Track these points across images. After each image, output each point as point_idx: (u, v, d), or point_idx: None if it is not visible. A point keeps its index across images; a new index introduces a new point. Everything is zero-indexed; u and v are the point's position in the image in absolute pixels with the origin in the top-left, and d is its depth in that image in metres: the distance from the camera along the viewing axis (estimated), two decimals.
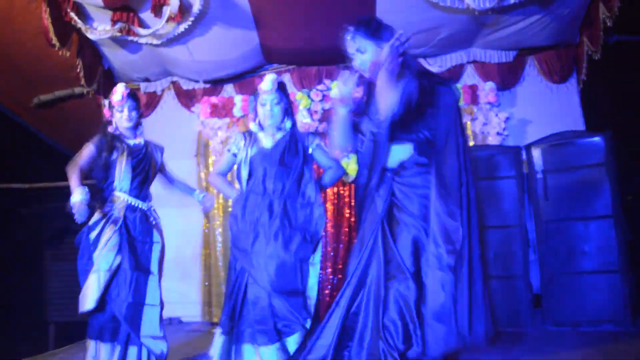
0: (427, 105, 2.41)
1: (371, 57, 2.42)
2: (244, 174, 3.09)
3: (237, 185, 3.25)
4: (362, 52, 2.44)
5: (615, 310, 4.12)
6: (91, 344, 3.08)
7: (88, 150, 3.14)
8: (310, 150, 3.13)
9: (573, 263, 4.30)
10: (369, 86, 2.60)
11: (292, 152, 3.06)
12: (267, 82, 3.04)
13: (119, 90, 3.21)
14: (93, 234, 3.08)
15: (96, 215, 3.13)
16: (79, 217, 2.94)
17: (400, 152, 2.47)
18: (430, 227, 2.34)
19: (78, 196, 2.94)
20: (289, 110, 3.15)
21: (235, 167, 3.17)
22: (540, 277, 4.44)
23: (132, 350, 3.10)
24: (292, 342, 2.86)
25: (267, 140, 3.09)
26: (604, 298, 4.16)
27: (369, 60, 2.43)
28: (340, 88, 2.47)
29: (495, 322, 2.48)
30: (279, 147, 3.05)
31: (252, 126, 3.16)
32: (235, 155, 3.14)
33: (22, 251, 7.16)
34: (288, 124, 3.13)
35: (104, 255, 3.04)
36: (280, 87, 3.09)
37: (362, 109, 2.63)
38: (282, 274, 2.87)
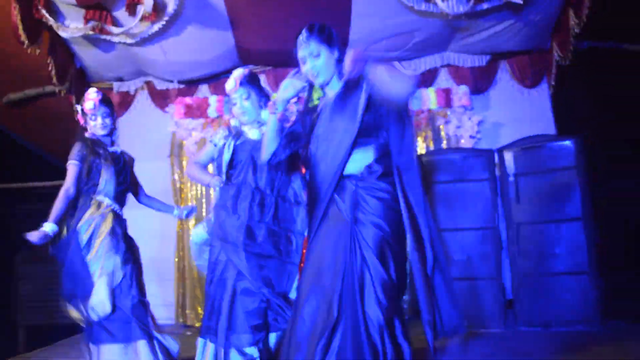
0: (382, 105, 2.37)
1: (323, 62, 2.38)
2: (226, 157, 2.99)
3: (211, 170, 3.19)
4: (315, 56, 2.38)
5: (585, 311, 4.17)
6: (95, 349, 2.99)
7: (73, 169, 3.05)
8: None
9: (544, 265, 4.35)
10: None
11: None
12: (230, 80, 2.99)
13: (91, 97, 3.13)
14: (85, 237, 3.01)
15: (84, 218, 3.05)
16: (33, 238, 2.90)
17: (363, 158, 2.38)
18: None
19: (47, 229, 2.93)
20: (264, 101, 3.04)
21: (216, 154, 3.07)
22: (512, 278, 4.49)
23: (142, 345, 3.00)
24: (273, 339, 2.85)
25: (253, 132, 3.01)
26: (574, 299, 4.22)
27: (321, 65, 2.39)
28: (281, 92, 2.43)
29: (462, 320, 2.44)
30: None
31: (234, 122, 3.10)
32: (216, 145, 3.05)
33: None
34: (266, 115, 2.96)
35: (107, 257, 3.00)
36: (248, 80, 3.00)
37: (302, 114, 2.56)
38: (273, 273, 2.84)
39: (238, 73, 3.01)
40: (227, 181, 3.00)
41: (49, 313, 6.45)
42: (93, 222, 3.03)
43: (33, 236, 2.88)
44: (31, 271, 6.71)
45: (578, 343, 3.74)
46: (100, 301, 2.93)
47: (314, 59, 2.38)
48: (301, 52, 2.40)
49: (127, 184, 3.26)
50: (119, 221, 3.14)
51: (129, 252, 3.10)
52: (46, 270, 6.66)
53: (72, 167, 3.05)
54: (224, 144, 3.02)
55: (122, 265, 3.02)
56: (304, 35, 2.39)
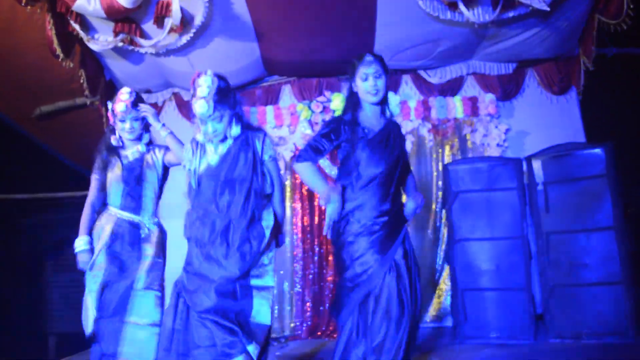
0: None
1: (383, 84, 2.81)
2: (192, 190, 2.87)
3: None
4: (378, 77, 2.80)
5: (617, 322, 4.07)
6: None
7: (94, 183, 3.15)
8: (265, 157, 2.88)
9: (575, 275, 4.27)
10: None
11: (240, 162, 2.82)
12: (200, 102, 2.72)
13: (123, 99, 3.07)
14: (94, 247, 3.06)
15: (94, 228, 3.09)
16: (81, 265, 3.01)
17: None
18: None
19: (80, 246, 3.03)
20: (232, 118, 2.85)
21: (187, 181, 2.92)
22: (542, 289, 4.42)
23: None
24: None
25: (212, 156, 2.84)
26: (606, 310, 4.13)
27: (381, 86, 2.81)
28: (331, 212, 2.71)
29: None
30: (225, 163, 2.82)
31: (199, 136, 2.88)
32: (186, 167, 2.90)
33: (23, 262, 7.16)
34: (235, 131, 2.85)
35: (92, 275, 2.98)
36: (218, 93, 2.75)
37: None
38: (218, 296, 2.66)
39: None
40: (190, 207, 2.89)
41: (79, 320, 6.55)
42: (96, 233, 3.07)
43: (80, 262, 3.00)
44: (60, 279, 6.83)
45: (610, 356, 3.67)
46: (84, 320, 2.96)
47: (376, 79, 2.79)
48: (366, 69, 2.79)
49: (141, 183, 3.12)
50: (122, 233, 3.04)
51: (119, 270, 2.99)
52: (74, 278, 6.77)
53: (93, 180, 3.15)
54: (190, 177, 2.87)
55: (108, 285, 2.97)
56: (369, 56, 2.81)
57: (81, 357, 4.53)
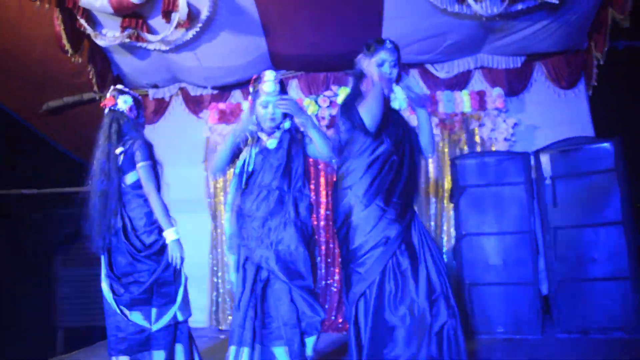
0: None
1: (396, 73, 2.84)
2: (247, 169, 3.01)
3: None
4: (394, 65, 2.83)
5: (625, 317, 4.07)
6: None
7: (151, 170, 3.08)
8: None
9: (582, 270, 4.26)
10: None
11: (294, 149, 3.03)
12: (269, 83, 2.97)
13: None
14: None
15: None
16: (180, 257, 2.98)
17: None
18: None
19: (175, 235, 3.00)
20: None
21: (239, 163, 3.05)
22: (549, 284, 4.40)
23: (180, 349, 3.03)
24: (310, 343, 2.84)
25: (271, 142, 3.00)
26: (614, 305, 4.12)
27: (397, 73, 2.85)
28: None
29: None
30: (282, 148, 3.00)
31: (252, 127, 3.07)
32: (238, 145, 3.05)
33: (31, 256, 7.20)
34: (287, 124, 3.05)
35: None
36: (283, 88, 3.05)
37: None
38: (302, 268, 2.85)
39: (275, 77, 3.01)
40: (245, 187, 3.00)
41: (87, 314, 6.60)
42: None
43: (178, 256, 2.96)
44: (68, 274, 6.87)
45: (618, 351, 3.65)
46: (187, 305, 3.00)
47: (392, 67, 2.81)
48: (385, 55, 2.80)
49: None
50: None
51: None
52: (83, 273, 6.82)
53: (149, 168, 3.03)
54: (245, 160, 3.02)
55: None
56: (389, 44, 2.82)
57: (90, 351, 4.56)
